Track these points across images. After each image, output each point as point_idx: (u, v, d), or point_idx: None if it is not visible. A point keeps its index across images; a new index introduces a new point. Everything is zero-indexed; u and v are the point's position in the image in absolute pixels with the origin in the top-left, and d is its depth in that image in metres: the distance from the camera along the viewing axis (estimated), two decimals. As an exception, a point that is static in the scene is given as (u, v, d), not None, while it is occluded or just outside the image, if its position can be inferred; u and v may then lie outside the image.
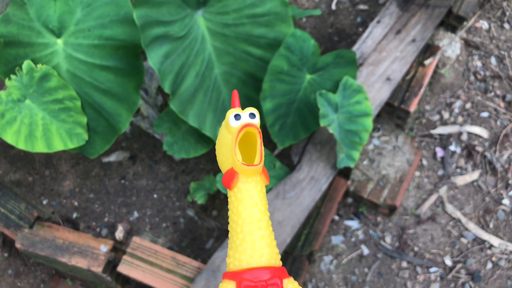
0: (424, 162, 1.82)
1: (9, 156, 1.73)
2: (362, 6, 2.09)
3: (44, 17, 1.31)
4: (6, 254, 1.65)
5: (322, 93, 1.35)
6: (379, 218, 1.73)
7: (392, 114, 1.76)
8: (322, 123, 1.34)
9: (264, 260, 0.65)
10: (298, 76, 1.41)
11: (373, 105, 1.56)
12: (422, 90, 1.71)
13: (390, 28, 1.70)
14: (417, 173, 1.80)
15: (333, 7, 2.09)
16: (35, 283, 1.63)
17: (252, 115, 0.67)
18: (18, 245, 1.44)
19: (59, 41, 1.34)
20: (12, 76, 1.30)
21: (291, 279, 0.66)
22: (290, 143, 1.48)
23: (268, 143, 1.55)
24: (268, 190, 1.44)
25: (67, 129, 1.38)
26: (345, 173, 1.66)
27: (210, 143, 1.51)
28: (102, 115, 1.40)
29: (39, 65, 1.31)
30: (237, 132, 0.65)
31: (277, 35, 1.39)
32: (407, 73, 1.72)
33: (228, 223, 0.70)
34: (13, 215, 1.53)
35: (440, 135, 1.87)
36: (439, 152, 1.83)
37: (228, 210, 0.69)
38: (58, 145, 1.37)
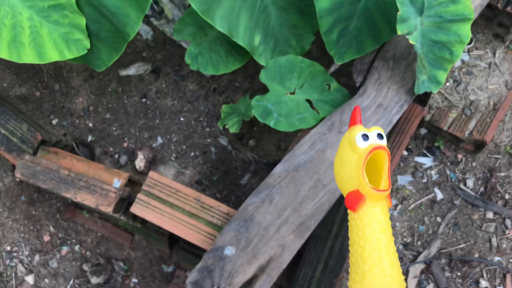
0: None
1: (14, 66, 1.47)
2: None
3: None
4: (17, 179, 1.45)
5: (403, -15, 0.93)
6: (460, 156, 1.36)
7: (492, 20, 1.33)
8: (400, 29, 0.95)
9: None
10: (369, -40, 0.99)
11: (473, 4, 1.13)
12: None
13: None
14: (518, 100, 1.38)
15: None
16: (50, 212, 1.44)
17: (380, 136, 0.66)
18: (17, 174, 1.22)
19: None
20: (-19, -40, 0.98)
21: None
22: (352, 57, 1.10)
23: (322, 55, 1.17)
24: (320, 120, 1.10)
25: (62, 33, 1.07)
26: (421, 97, 1.27)
27: (245, 55, 1.17)
28: (105, 15, 1.08)
29: None
30: (366, 154, 0.65)
31: None
32: (521, -39, 1.24)
33: None
34: (14, 137, 1.29)
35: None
36: (550, 72, 1.39)
37: (348, 231, 0.69)
38: (53, 55, 1.08)
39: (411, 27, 0.97)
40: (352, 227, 0.67)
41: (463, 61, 1.38)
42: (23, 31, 1.05)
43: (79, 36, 1.08)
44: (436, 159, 1.37)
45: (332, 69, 1.16)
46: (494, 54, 1.38)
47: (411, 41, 0.96)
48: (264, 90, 1.15)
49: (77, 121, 1.43)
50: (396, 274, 0.64)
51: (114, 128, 1.42)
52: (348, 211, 0.68)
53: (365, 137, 0.65)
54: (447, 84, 1.36)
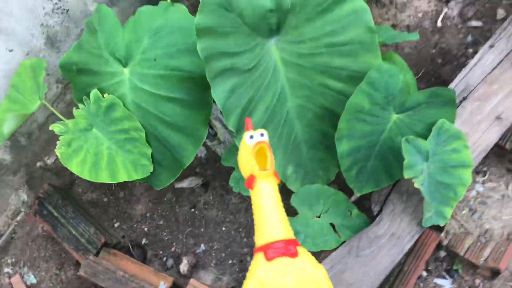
0: (543, 216, 1.49)
1: (88, 174, 1.75)
2: (474, 23, 1.79)
3: (112, 45, 1.27)
4: (78, 273, 1.67)
5: (409, 139, 1.13)
6: (477, 281, 1.45)
7: (503, 157, 1.47)
8: (407, 174, 1.13)
9: (282, 235, 0.97)
10: (381, 116, 1.20)
11: (477, 149, 1.30)
12: (544, 131, 1.39)
13: (507, 54, 1.41)
14: (532, 230, 1.48)
15: (439, 23, 1.82)
16: (103, 304, 1.62)
17: (262, 135, 0.99)
18: (81, 272, 1.44)
19: (125, 71, 1.29)
20: (80, 106, 1.28)
21: (301, 247, 0.99)
22: (369, 190, 1.28)
23: (346, 187, 1.36)
24: (341, 244, 1.26)
25: (132, 160, 1.33)
26: (437, 224, 1.41)
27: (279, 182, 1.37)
28: (167, 148, 1.34)
29: (105, 95, 1.27)
30: (253, 147, 0.98)
31: (361, 67, 1.20)
32: (526, 109, 1.42)
33: None
34: (82, 238, 1.54)
35: None
36: None
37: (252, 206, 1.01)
38: (123, 176, 1.33)
39: (417, 173, 1.15)
40: (253, 201, 0.99)
41: (478, 192, 1.52)
42: (102, 158, 1.32)
43: (145, 162, 1.34)
44: (455, 282, 1.46)
45: (353, 198, 1.34)
46: (507, 187, 1.51)
47: (416, 185, 1.14)
48: (295, 212, 1.33)
49: (135, 225, 1.66)
50: (282, 226, 0.97)
51: (165, 234, 1.64)
52: (249, 190, 0.99)
53: (252, 136, 0.98)
54: (463, 212, 1.49)
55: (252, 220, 1.61)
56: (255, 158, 0.97)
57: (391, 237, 1.23)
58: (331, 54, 1.21)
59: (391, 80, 1.16)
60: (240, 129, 1.21)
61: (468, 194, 1.52)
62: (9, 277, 1.69)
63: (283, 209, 1.00)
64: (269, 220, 0.97)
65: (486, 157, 1.53)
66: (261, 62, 1.20)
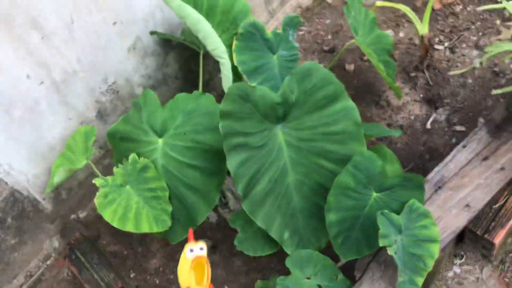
0: (514, 301, 1.65)
1: (113, 230, 2.00)
2: (459, 128, 2.08)
3: (152, 120, 1.60)
4: (93, 317, 1.86)
5: (384, 212, 1.37)
6: None
7: (477, 242, 1.67)
8: (382, 242, 1.35)
9: None
10: (364, 193, 1.46)
11: (446, 232, 1.52)
12: (511, 222, 1.61)
13: (477, 154, 1.67)
14: (503, 312, 1.63)
15: (428, 126, 2.12)
16: None
17: (201, 248, 1.12)
18: (99, 310, 1.64)
19: (160, 141, 1.60)
20: (119, 165, 1.58)
21: None
22: (353, 257, 1.49)
23: (332, 253, 1.57)
24: (325, 302, 1.45)
25: (155, 214, 1.59)
26: (416, 297, 1.59)
27: (277, 244, 1.60)
28: (185, 207, 1.60)
29: (141, 158, 1.57)
30: (191, 261, 1.09)
31: (349, 152, 1.48)
32: (495, 202, 1.65)
33: None
34: (102, 282, 1.76)
35: (538, 273, 1.70)
36: (534, 293, 1.65)
37: None
38: (145, 227, 1.58)
39: (391, 242, 1.37)
40: None
41: (455, 273, 1.70)
42: (131, 210, 1.58)
43: (165, 218, 1.60)
44: None
45: (339, 264, 1.54)
46: (481, 271, 1.69)
47: (389, 252, 1.35)
48: (288, 272, 1.54)
49: (148, 277, 1.87)
50: None
51: (174, 287, 1.84)
52: None
53: (192, 250, 1.09)
54: (441, 290, 1.67)
55: (253, 282, 1.81)
56: (194, 271, 1.10)
57: (368, 300, 1.42)
58: (325, 141, 1.50)
59: (371, 164, 1.43)
60: (247, 194, 1.47)
61: (446, 274, 1.70)
62: (32, 315, 1.89)
63: None
64: None
65: (463, 242, 1.73)
66: (268, 142, 1.50)
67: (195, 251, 1.10)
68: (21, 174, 1.73)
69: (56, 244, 1.98)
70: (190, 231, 1.14)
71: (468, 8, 2.50)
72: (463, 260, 1.72)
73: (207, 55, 1.85)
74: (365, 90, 2.29)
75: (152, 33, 1.83)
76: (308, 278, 1.51)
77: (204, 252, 1.10)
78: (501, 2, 1.63)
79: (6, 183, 1.69)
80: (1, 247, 1.79)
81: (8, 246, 1.81)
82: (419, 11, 2.50)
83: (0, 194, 1.70)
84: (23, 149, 1.69)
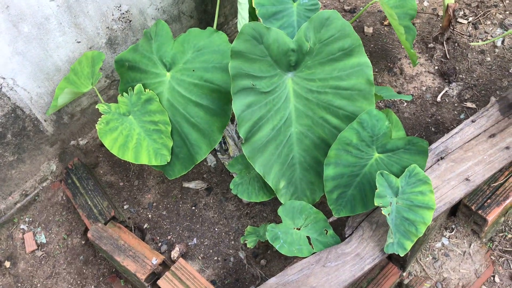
0: (497, 279, 1.68)
1: (112, 161, 2.01)
2: (469, 104, 2.05)
3: (162, 52, 1.57)
4: (83, 242, 1.89)
5: (383, 173, 1.36)
6: (428, 321, 1.62)
7: (469, 217, 1.68)
8: (377, 202, 1.35)
9: None
10: (366, 151, 1.45)
11: (442, 201, 1.52)
12: (508, 201, 1.61)
13: (484, 130, 1.65)
14: (484, 288, 1.66)
15: (439, 98, 2.08)
16: (97, 274, 1.83)
17: None
18: (89, 234, 1.66)
19: (168, 74, 1.57)
20: (124, 94, 1.56)
21: None
22: (345, 214, 1.50)
23: (325, 208, 1.58)
24: (312, 253, 1.47)
25: (155, 148, 1.59)
26: (401, 262, 1.61)
27: (272, 193, 1.60)
28: (186, 144, 1.59)
29: (147, 90, 1.55)
30: None
31: (356, 110, 1.46)
32: (495, 179, 1.64)
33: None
34: (95, 209, 1.77)
35: (524, 255, 1.71)
36: (517, 273, 1.67)
37: None
38: (144, 159, 1.58)
39: (386, 203, 1.37)
40: None
41: (443, 244, 1.71)
42: (131, 140, 1.58)
43: (165, 152, 1.59)
44: (407, 318, 1.63)
45: (331, 219, 1.55)
46: (469, 245, 1.70)
47: (383, 212, 1.36)
48: (280, 220, 1.55)
49: (141, 211, 1.89)
50: None
51: (165, 223, 1.86)
52: None
53: None
54: (427, 259, 1.68)
55: (243, 227, 1.83)
56: None
57: (355, 256, 1.43)
58: (334, 95, 1.47)
59: (378, 124, 1.41)
60: (249, 138, 1.46)
61: (434, 244, 1.72)
62: (23, 233, 1.92)
63: None
64: None
65: (455, 215, 1.74)
66: (276, 89, 1.47)
67: None
68: (25, 91, 1.71)
69: (53, 167, 1.99)
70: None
71: (499, -16, 2.41)
72: (452, 233, 1.73)
73: (225, -4, 1.80)
74: (380, 55, 2.24)
75: (172, -36, 1.77)
76: (298, 229, 1.53)
77: None
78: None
79: (8, 98, 1.68)
80: (-1, 162, 1.80)
81: (5, 162, 1.82)
82: (448, -19, 2.42)
83: (2, 108, 1.69)
84: (28, 65, 1.66)
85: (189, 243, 1.80)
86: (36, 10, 1.56)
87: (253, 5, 1.59)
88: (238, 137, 1.93)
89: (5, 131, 1.75)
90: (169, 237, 1.82)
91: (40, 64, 1.69)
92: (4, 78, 1.62)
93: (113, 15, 1.79)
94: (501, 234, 1.75)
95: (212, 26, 1.81)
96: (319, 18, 1.40)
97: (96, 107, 1.56)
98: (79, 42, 1.75)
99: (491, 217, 1.58)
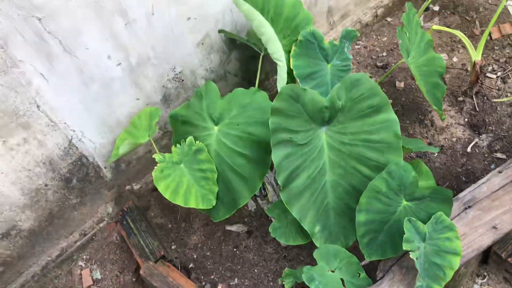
0: (529, 326, 1.71)
1: (162, 204, 2.21)
2: (500, 155, 2.14)
3: (211, 109, 1.78)
4: (134, 279, 2.06)
5: (411, 219, 1.48)
6: None
7: (500, 265, 1.74)
8: (405, 247, 1.46)
9: None
10: (394, 199, 1.57)
11: (470, 248, 1.60)
12: (536, 249, 1.67)
13: (511, 180, 1.74)
14: (517, 335, 1.69)
15: (469, 149, 2.18)
16: (145, 310, 1.98)
17: None
18: (141, 271, 1.84)
19: (216, 128, 1.78)
20: (177, 145, 1.77)
21: None
22: (376, 258, 1.60)
23: (358, 252, 1.69)
24: (345, 294, 1.57)
25: (202, 193, 1.77)
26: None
27: (308, 237, 1.73)
28: (230, 190, 1.76)
29: (197, 142, 1.75)
30: None
31: (386, 161, 1.60)
32: (523, 228, 1.71)
33: None
34: (147, 248, 1.95)
35: (557, 304, 1.74)
36: (550, 322, 1.70)
37: None
38: (192, 203, 1.76)
39: (414, 247, 1.48)
40: None
41: (475, 291, 1.77)
42: (182, 186, 1.76)
43: (211, 197, 1.77)
44: None
45: (363, 263, 1.66)
46: (500, 292, 1.75)
47: (411, 256, 1.46)
48: (315, 263, 1.67)
49: (187, 251, 2.06)
50: None
51: (208, 263, 2.01)
52: None
53: None
54: (458, 304, 1.74)
55: (281, 269, 1.95)
56: None
57: (386, 298, 1.53)
58: (365, 147, 1.62)
59: (405, 174, 1.54)
60: (286, 185, 1.62)
61: (466, 291, 1.78)
62: (81, 269, 2.11)
63: None
64: None
65: (487, 263, 1.80)
66: (312, 141, 1.64)
67: None
68: (90, 142, 1.95)
69: (110, 209, 2.20)
70: None
71: (527, 41, 2.53)
72: (485, 280, 1.79)
73: (266, 58, 2.02)
74: (411, 108, 2.38)
75: (220, 31, 2.02)
76: (332, 271, 1.64)
77: None
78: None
79: (77, 148, 1.93)
80: (65, 204, 2.02)
81: (70, 204, 2.05)
82: (475, 39, 2.57)
83: (71, 157, 1.93)
84: (95, 120, 1.91)
85: (231, 283, 1.94)
86: (104, 73, 1.82)
87: (291, 67, 1.79)
88: (277, 183, 2.09)
89: (72, 177, 1.98)
90: (212, 277, 1.97)
91: (105, 118, 1.93)
92: (74, 131, 1.87)
93: (168, 75, 2.03)
94: (533, 283, 1.79)
95: (255, 84, 2.02)
96: (350, 79, 1.58)
97: (153, 156, 1.77)
98: (138, 99, 1.99)
99: (520, 264, 1.64)
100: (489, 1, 2.72)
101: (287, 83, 1.82)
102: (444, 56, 2.56)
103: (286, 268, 1.83)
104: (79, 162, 1.97)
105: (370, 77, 2.53)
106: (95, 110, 1.89)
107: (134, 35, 1.82)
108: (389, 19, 2.81)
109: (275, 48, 1.77)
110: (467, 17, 2.69)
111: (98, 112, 1.90)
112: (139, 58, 1.89)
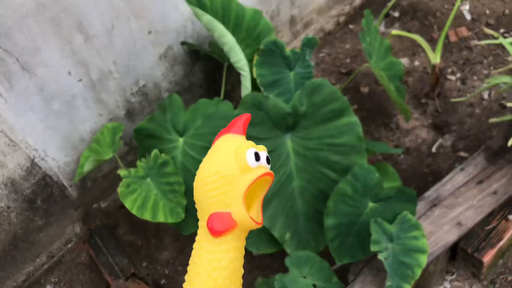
0: (500, 320, 1.74)
1: (130, 221, 2.17)
2: (463, 154, 2.19)
3: (175, 121, 1.77)
4: (105, 299, 2.01)
5: (377, 220, 1.49)
6: None
7: (467, 260, 1.77)
8: (373, 248, 1.47)
9: None
10: (360, 201, 1.58)
11: (437, 245, 1.62)
12: (501, 243, 1.70)
13: (473, 177, 1.78)
14: (488, 329, 1.72)
15: (434, 149, 2.23)
16: (118, 330, 1.93)
17: (268, 160, 0.57)
18: (112, 290, 1.79)
19: (181, 140, 1.76)
20: (142, 159, 1.75)
21: None
22: (347, 261, 1.61)
23: (330, 256, 1.69)
24: (317, 299, 1.57)
25: (170, 207, 1.75)
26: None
27: (279, 245, 1.73)
28: (198, 202, 1.75)
29: (162, 154, 1.74)
30: (256, 176, 0.54)
31: (350, 163, 1.62)
32: (487, 223, 1.75)
33: None
34: (117, 266, 1.91)
35: (525, 296, 1.78)
36: (519, 314, 1.73)
37: (197, 254, 0.58)
38: (161, 217, 1.73)
39: (382, 248, 1.49)
40: (206, 253, 0.57)
41: (445, 288, 1.79)
42: (149, 200, 1.74)
43: (180, 210, 1.75)
44: None
45: (334, 267, 1.66)
46: (470, 288, 1.78)
47: (379, 257, 1.47)
48: (286, 270, 1.67)
49: (158, 267, 2.02)
50: None
51: (181, 278, 1.98)
52: (200, 231, 0.59)
53: (257, 156, 0.56)
54: (430, 302, 1.76)
55: (254, 279, 1.93)
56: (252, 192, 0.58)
57: (357, 300, 1.53)
58: (329, 151, 1.63)
59: (369, 176, 1.56)
60: (254, 193, 1.62)
61: (436, 288, 1.80)
62: (49, 293, 2.05)
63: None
64: None
65: (455, 259, 1.83)
66: (277, 148, 1.64)
67: (262, 160, 0.57)
68: (54, 161, 1.91)
69: (77, 229, 2.15)
70: (248, 116, 0.61)
71: (482, 43, 2.61)
72: (454, 276, 1.82)
73: (231, 68, 2.02)
74: (376, 112, 2.42)
75: (182, 43, 2.02)
76: (304, 277, 1.64)
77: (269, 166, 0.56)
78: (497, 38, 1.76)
79: (40, 167, 1.88)
80: (29, 226, 1.96)
81: (35, 226, 1.99)
82: (434, 43, 2.64)
83: (34, 176, 1.88)
84: (57, 138, 1.87)
85: (204, 296, 1.91)
86: (65, 90, 1.79)
87: (255, 76, 1.80)
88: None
89: (36, 197, 1.93)
90: (185, 291, 1.93)
91: (68, 136, 1.90)
92: (36, 150, 1.82)
93: (131, 89, 2.02)
94: (501, 277, 1.83)
95: (220, 95, 2.02)
96: (311, 85, 1.60)
97: (118, 172, 1.75)
98: (101, 115, 1.97)
99: (486, 259, 1.67)
100: (445, 6, 2.81)
101: (252, 92, 1.83)
102: (405, 60, 2.62)
103: (259, 277, 1.81)
104: (42, 182, 1.92)
105: (335, 83, 2.56)
106: (58, 128, 1.85)
107: (94, 51, 1.80)
108: (351, 26, 2.87)
109: (238, 57, 1.78)
110: (425, 22, 2.77)
111: (61, 129, 1.86)
112: (101, 73, 1.87)
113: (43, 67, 1.69)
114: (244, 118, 0.64)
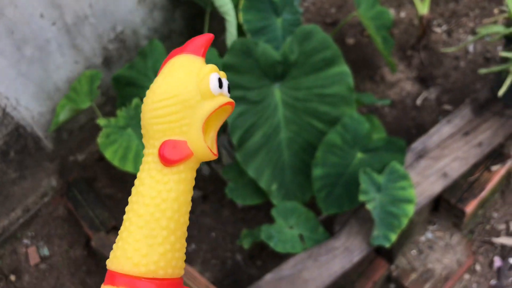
0: (478, 267, 1.79)
1: (110, 174, 2.10)
2: (447, 107, 2.18)
3: (157, 68, 1.68)
4: (85, 253, 1.97)
5: (366, 170, 1.48)
6: (416, 311, 1.72)
7: (450, 211, 1.79)
8: (362, 197, 1.46)
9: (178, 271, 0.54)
10: (349, 152, 1.56)
11: (423, 196, 1.63)
12: (483, 194, 1.73)
13: (459, 129, 1.78)
14: (467, 276, 1.77)
15: (418, 102, 2.22)
16: (100, 284, 1.90)
17: (229, 88, 0.54)
18: (92, 243, 1.75)
19: (163, 88, 1.69)
20: (123, 108, 1.66)
21: None
22: (334, 211, 1.60)
23: (315, 207, 1.69)
24: (304, 249, 1.57)
25: (153, 158, 1.69)
26: (389, 256, 1.72)
27: (265, 196, 1.71)
28: (182, 153, 1.69)
29: (144, 104, 1.66)
30: (218, 105, 0.51)
31: (339, 114, 1.58)
32: (471, 174, 1.76)
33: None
34: (97, 219, 1.86)
35: (503, 245, 1.83)
36: (497, 262, 1.79)
37: (140, 185, 0.54)
38: (143, 169, 1.68)
39: (370, 198, 1.48)
40: (155, 183, 0.52)
41: (427, 238, 1.82)
42: (131, 151, 1.67)
43: (163, 161, 1.69)
44: (397, 309, 1.73)
45: (321, 217, 1.66)
46: (451, 237, 1.81)
47: (367, 207, 1.47)
48: (272, 220, 1.65)
49: (140, 220, 1.98)
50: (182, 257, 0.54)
51: (164, 231, 1.95)
52: (148, 159, 0.54)
53: (220, 81, 0.52)
54: (412, 252, 1.79)
55: (239, 232, 1.92)
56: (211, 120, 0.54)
57: (344, 250, 1.54)
58: (319, 102, 1.59)
59: (359, 126, 1.53)
60: (241, 144, 1.57)
61: (419, 238, 1.83)
62: (27, 247, 1.99)
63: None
64: (183, 237, 0.53)
65: (437, 210, 1.85)
66: (265, 98, 1.59)
67: (224, 88, 0.53)
68: (27, 111, 1.81)
69: (54, 182, 2.07)
70: (208, 37, 0.57)
71: (469, -5, 2.57)
72: (435, 226, 1.85)
73: (213, 15, 1.92)
74: (361, 65, 2.38)
75: (162, -14, 1.90)
76: (290, 228, 1.63)
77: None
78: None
79: (12, 117, 1.77)
80: (3, 179, 1.88)
81: (8, 179, 1.90)
82: (421, -7, 2.58)
83: (6, 127, 1.78)
84: (31, 86, 1.76)
85: (188, 249, 1.89)
86: (38, 34, 1.67)
87: (241, 21, 1.71)
88: (231, 146, 2.04)
89: (9, 149, 1.83)
90: (168, 244, 1.91)
91: (42, 84, 1.79)
92: (8, 99, 1.72)
93: (108, 36, 1.90)
94: (480, 226, 1.87)
95: (202, 43, 1.92)
96: (302, 31, 1.53)
97: (97, 121, 1.66)
98: (77, 62, 1.85)
99: (468, 209, 1.69)
100: (433, -44, 2.73)
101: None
102: (392, 11, 2.56)
103: (244, 229, 1.80)
104: (16, 133, 1.82)
105: (319, 34, 2.49)
106: (31, 75, 1.74)
107: (67, -9, 1.68)
108: (335, -25, 2.76)
109: (223, 1, 1.68)
110: (411, -28, 2.69)
111: (34, 77, 1.75)
112: (76, 17, 1.74)
113: (13, 8, 1.56)
114: (205, 37, 0.56)
